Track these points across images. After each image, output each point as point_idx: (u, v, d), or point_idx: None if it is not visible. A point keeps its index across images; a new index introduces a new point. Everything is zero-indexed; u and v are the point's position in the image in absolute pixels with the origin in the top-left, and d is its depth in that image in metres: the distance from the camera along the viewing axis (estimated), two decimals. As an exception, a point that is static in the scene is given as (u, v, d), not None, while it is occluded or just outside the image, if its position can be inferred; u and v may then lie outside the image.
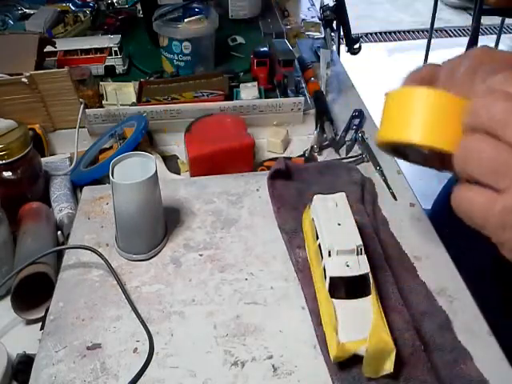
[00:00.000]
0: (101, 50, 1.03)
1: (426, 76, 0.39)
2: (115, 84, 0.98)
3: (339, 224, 0.51)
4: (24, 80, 0.80)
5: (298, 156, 0.82)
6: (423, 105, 0.34)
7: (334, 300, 0.47)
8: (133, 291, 0.55)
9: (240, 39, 1.16)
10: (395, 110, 0.36)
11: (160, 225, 0.60)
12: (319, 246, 0.51)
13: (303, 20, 1.27)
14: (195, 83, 0.96)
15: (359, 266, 0.48)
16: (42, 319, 0.54)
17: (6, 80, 0.82)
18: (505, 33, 3.15)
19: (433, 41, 2.83)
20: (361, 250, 0.49)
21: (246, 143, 0.76)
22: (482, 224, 0.33)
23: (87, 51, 1.04)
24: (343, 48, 1.16)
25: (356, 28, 1.20)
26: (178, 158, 0.82)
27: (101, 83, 0.96)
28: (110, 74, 1.04)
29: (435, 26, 2.82)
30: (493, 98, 0.32)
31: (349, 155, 0.80)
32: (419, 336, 0.48)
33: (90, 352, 0.49)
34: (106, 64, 1.03)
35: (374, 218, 0.63)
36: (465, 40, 2.50)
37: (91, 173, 0.75)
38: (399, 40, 3.37)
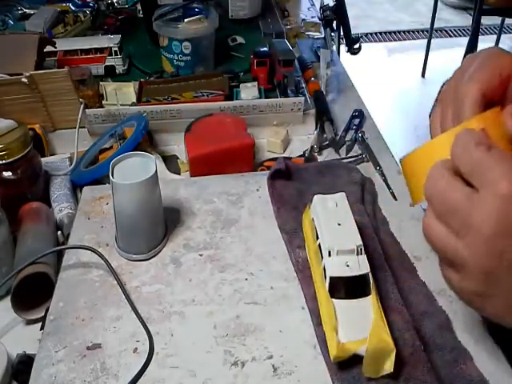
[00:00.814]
0: (101, 50, 1.03)
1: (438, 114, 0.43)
2: (115, 84, 0.98)
3: (339, 224, 0.51)
4: (24, 80, 0.80)
5: (298, 156, 0.82)
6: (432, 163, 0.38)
7: (333, 300, 0.47)
8: (133, 291, 0.55)
9: (240, 39, 1.16)
10: (413, 174, 0.42)
11: (160, 225, 0.60)
12: (319, 246, 0.51)
13: (303, 20, 1.27)
14: (195, 83, 0.96)
15: (359, 266, 0.48)
16: (42, 319, 0.54)
17: (6, 80, 0.82)
18: (505, 33, 3.16)
19: (433, 41, 2.83)
20: (361, 250, 0.49)
21: (245, 143, 0.76)
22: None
23: (87, 51, 1.04)
24: (343, 48, 1.17)
25: (356, 28, 1.20)
26: (177, 158, 0.82)
27: (101, 83, 0.97)
28: (110, 73, 1.04)
29: (435, 26, 2.83)
30: (449, 185, 0.36)
31: (349, 155, 0.80)
32: (419, 336, 0.48)
33: (90, 352, 0.49)
34: (106, 64, 1.03)
35: (374, 218, 0.62)
36: (465, 40, 2.50)
37: (91, 173, 0.75)
38: (399, 40, 3.38)
